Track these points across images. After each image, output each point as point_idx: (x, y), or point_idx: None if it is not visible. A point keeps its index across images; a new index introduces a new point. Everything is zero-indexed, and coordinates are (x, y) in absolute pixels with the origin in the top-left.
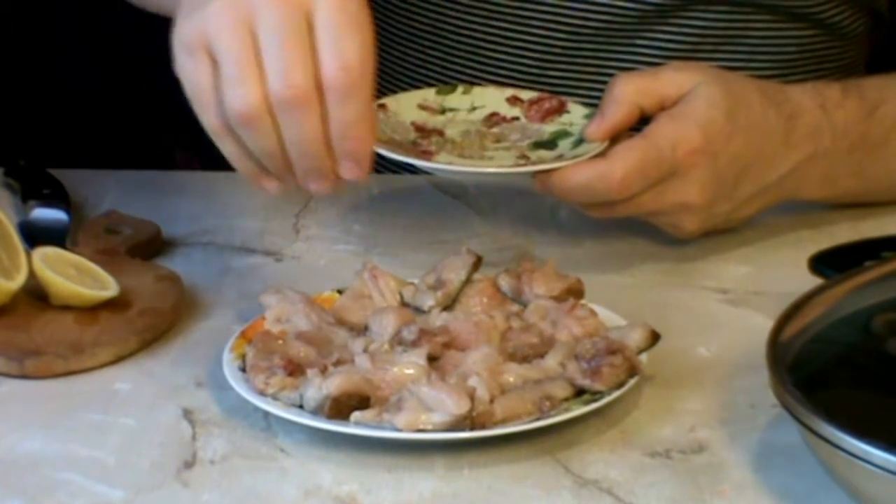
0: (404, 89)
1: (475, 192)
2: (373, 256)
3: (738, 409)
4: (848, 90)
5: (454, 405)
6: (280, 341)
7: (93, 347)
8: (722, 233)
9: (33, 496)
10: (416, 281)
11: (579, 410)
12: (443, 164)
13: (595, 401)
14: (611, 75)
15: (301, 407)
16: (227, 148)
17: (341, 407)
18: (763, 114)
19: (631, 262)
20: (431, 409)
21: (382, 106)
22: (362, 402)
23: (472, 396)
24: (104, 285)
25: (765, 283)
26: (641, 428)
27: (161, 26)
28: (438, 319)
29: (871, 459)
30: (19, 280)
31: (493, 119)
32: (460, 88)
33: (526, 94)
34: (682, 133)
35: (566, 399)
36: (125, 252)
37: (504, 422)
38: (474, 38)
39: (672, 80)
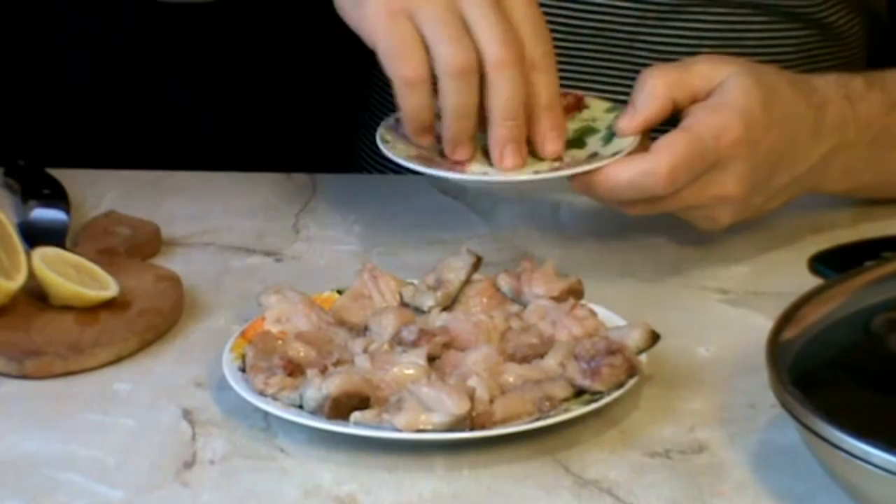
0: None
1: (475, 192)
2: (372, 257)
3: (737, 409)
4: (871, 82)
5: (454, 405)
6: (280, 341)
7: (92, 348)
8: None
9: (33, 496)
10: (415, 281)
11: (579, 411)
12: (478, 175)
13: (595, 401)
14: (609, 76)
15: (301, 407)
16: (415, 98)
17: (341, 407)
18: (794, 104)
19: (631, 263)
20: (431, 409)
21: (399, 120)
22: (362, 402)
23: (471, 397)
24: (104, 285)
25: (764, 284)
26: (641, 428)
27: (159, 25)
28: (438, 320)
29: (871, 459)
30: (19, 280)
31: None
32: None
33: None
34: (725, 124)
35: (566, 399)
36: (125, 252)
37: (504, 422)
38: None
39: (704, 72)
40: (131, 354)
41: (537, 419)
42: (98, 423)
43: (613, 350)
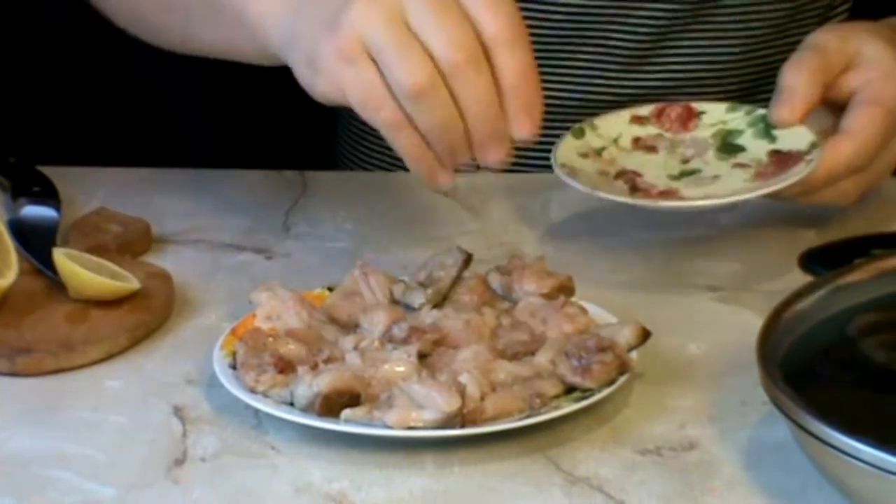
0: None
1: (465, 189)
2: (363, 254)
3: (728, 406)
4: None
5: (445, 402)
6: (270, 339)
7: (83, 345)
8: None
9: (24, 494)
10: (406, 278)
11: (570, 408)
12: (699, 200)
13: (585, 398)
14: (583, 61)
15: (292, 404)
16: (405, 141)
17: (332, 404)
18: None
19: (621, 260)
20: (422, 406)
21: (564, 165)
22: (353, 399)
23: (462, 394)
24: (126, 280)
25: (755, 281)
26: (632, 425)
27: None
28: (429, 317)
29: (861, 456)
30: (10, 278)
31: (640, 143)
32: (586, 126)
33: (644, 110)
34: None
35: (556, 396)
36: (115, 250)
37: (494, 419)
38: None
39: (836, 48)
40: (122, 352)
41: (528, 416)
42: (89, 420)
43: (604, 347)
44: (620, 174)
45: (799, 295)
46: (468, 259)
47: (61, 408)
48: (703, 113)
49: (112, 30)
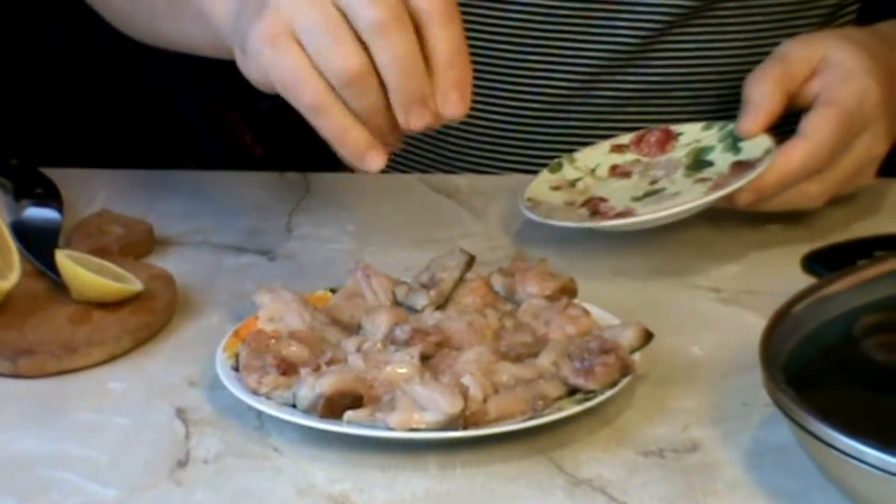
0: None
1: (468, 190)
2: (365, 255)
3: (731, 407)
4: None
5: (447, 404)
6: (273, 340)
7: (86, 346)
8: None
9: (26, 496)
10: (408, 280)
11: (572, 409)
12: (653, 214)
13: (588, 400)
14: (588, 57)
15: (294, 406)
16: (330, 124)
17: (334, 406)
18: (883, 49)
19: (624, 262)
20: (424, 408)
21: (532, 200)
22: (355, 401)
23: (465, 395)
24: (128, 282)
25: (757, 283)
26: (634, 427)
27: None
28: (431, 318)
29: (864, 458)
30: (12, 279)
31: (617, 171)
32: (564, 160)
33: (625, 138)
34: (863, 88)
35: (559, 398)
36: (118, 251)
37: (497, 421)
38: None
39: (800, 56)
40: (125, 353)
41: (531, 418)
42: (92, 422)
43: (607, 349)
44: (586, 202)
45: (801, 297)
46: (471, 261)
47: (64, 409)
48: (680, 134)
49: (114, 32)
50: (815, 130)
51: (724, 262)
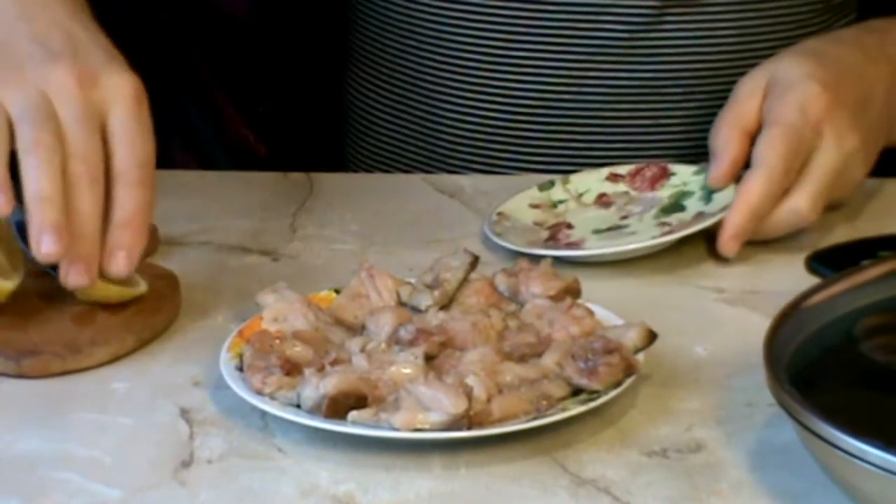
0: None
1: (472, 191)
2: (370, 255)
3: (734, 408)
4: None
5: (451, 404)
6: (277, 341)
7: (90, 347)
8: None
9: (30, 496)
10: (413, 280)
11: (576, 410)
12: (597, 250)
13: (592, 400)
14: (576, 53)
15: (298, 406)
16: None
17: (338, 406)
18: (838, 50)
19: (627, 262)
20: (428, 408)
21: (501, 214)
22: (359, 401)
23: (469, 396)
24: (132, 283)
25: (761, 283)
26: (638, 427)
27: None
28: (435, 319)
29: (868, 458)
30: (16, 279)
31: (602, 200)
32: (559, 180)
33: (622, 169)
34: (802, 98)
35: (563, 398)
36: None
37: (501, 421)
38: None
39: (747, 91)
40: (129, 353)
41: (534, 418)
42: (95, 422)
43: (611, 349)
44: (553, 226)
45: (805, 297)
46: (475, 261)
47: (68, 410)
48: (673, 174)
49: (117, 30)
50: (764, 156)
51: (728, 263)
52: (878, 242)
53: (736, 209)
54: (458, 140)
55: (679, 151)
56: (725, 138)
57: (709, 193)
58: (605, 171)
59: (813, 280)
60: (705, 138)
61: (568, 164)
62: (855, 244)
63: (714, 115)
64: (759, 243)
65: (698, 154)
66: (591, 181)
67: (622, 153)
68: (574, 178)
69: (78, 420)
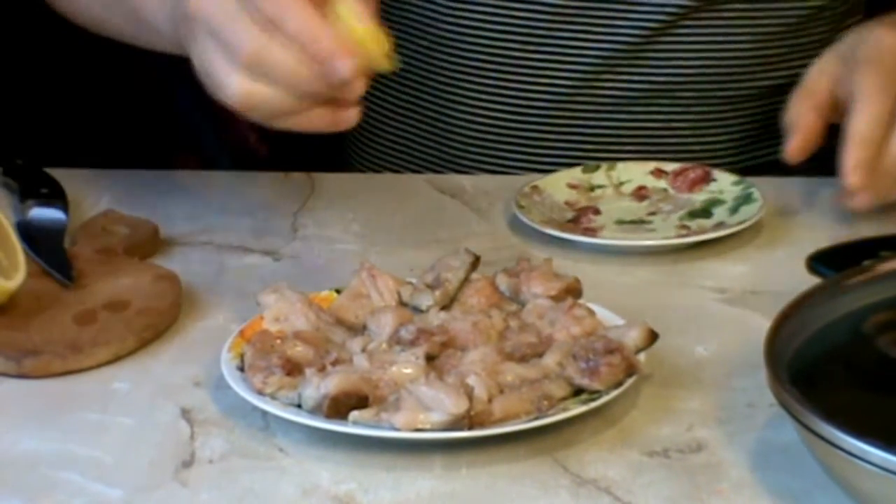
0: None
1: (473, 191)
2: (371, 256)
3: (735, 408)
4: None
5: (452, 404)
6: (278, 341)
7: (91, 347)
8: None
9: (31, 496)
10: (414, 280)
11: (577, 410)
12: (608, 240)
13: (593, 400)
14: (591, 56)
15: (299, 406)
16: (261, 95)
17: (339, 406)
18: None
19: (629, 262)
20: (429, 408)
21: (535, 187)
22: (360, 401)
23: (470, 396)
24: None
25: (762, 283)
26: (639, 427)
27: None
28: (436, 319)
29: (869, 458)
30: (18, 279)
31: (640, 192)
32: (604, 165)
33: (669, 166)
34: (882, 43)
35: (564, 398)
36: (123, 252)
37: (502, 421)
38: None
39: (818, 72)
40: (130, 354)
41: (535, 418)
42: (97, 422)
43: (612, 349)
44: (582, 208)
45: (806, 297)
46: (476, 261)
47: (69, 410)
48: (713, 180)
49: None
50: (861, 88)
51: (729, 263)
52: (879, 242)
53: (849, 141)
54: (469, 141)
55: (691, 155)
56: (797, 113)
57: (737, 206)
58: (652, 164)
59: (814, 280)
60: (717, 142)
61: (578, 166)
62: (856, 244)
63: (726, 118)
64: (760, 243)
65: (709, 157)
66: (635, 172)
67: (634, 155)
68: (620, 165)
69: (79, 420)
